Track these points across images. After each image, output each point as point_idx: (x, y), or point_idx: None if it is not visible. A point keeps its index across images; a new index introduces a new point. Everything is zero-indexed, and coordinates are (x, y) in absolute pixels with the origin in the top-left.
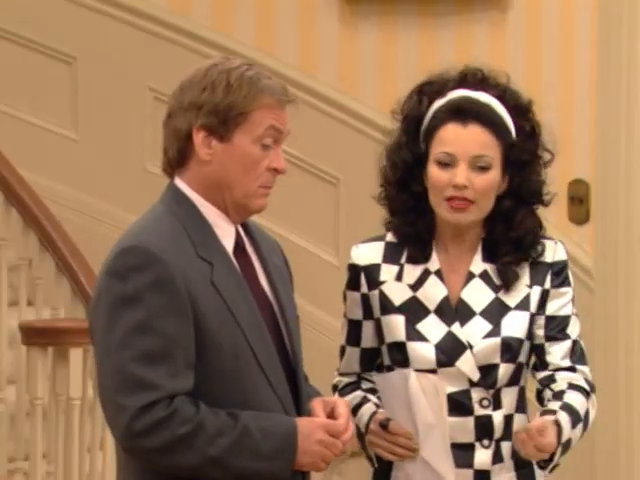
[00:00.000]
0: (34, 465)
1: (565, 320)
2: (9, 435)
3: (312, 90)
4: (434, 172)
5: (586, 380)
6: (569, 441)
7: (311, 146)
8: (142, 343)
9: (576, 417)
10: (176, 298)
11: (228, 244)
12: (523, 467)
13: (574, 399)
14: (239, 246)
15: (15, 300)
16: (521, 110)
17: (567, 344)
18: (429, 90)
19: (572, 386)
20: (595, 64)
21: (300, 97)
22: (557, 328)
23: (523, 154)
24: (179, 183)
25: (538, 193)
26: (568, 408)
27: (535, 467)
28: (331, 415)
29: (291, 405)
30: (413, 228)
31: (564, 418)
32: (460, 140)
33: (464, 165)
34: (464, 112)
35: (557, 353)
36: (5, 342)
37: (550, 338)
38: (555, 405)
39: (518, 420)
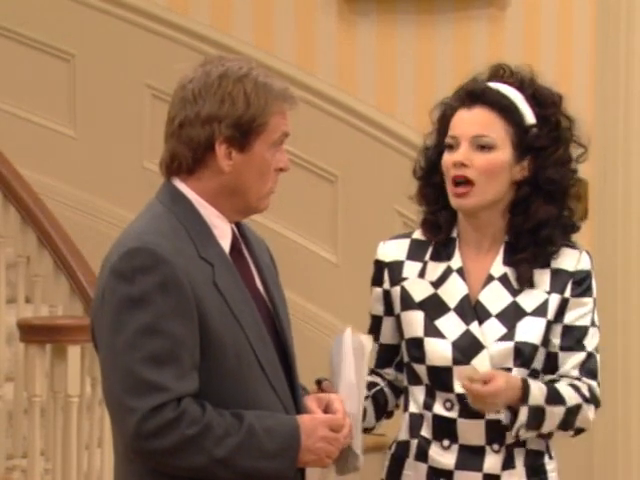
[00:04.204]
0: (32, 462)
1: (583, 331)
2: (7, 432)
3: (311, 88)
4: (443, 156)
5: (590, 391)
6: (542, 411)
7: (309, 144)
8: (150, 345)
9: (557, 398)
10: (182, 299)
11: (225, 245)
12: (536, 474)
13: (563, 388)
14: (235, 247)
15: (13, 297)
16: (542, 99)
17: (581, 356)
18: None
19: (570, 384)
20: (593, 62)
21: (298, 95)
22: (574, 339)
23: (539, 140)
24: (178, 183)
25: (557, 182)
26: (550, 387)
27: (549, 476)
28: (326, 412)
29: (291, 404)
30: (436, 217)
31: (537, 385)
32: (463, 122)
33: (466, 145)
34: (471, 96)
35: (569, 363)
36: (3, 339)
37: (565, 348)
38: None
39: None
